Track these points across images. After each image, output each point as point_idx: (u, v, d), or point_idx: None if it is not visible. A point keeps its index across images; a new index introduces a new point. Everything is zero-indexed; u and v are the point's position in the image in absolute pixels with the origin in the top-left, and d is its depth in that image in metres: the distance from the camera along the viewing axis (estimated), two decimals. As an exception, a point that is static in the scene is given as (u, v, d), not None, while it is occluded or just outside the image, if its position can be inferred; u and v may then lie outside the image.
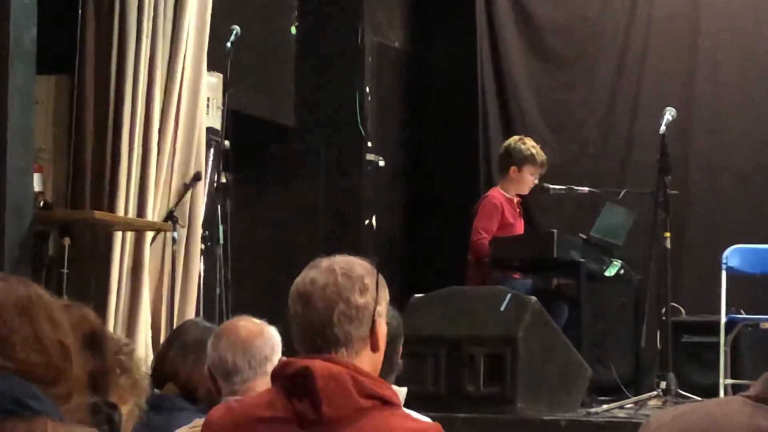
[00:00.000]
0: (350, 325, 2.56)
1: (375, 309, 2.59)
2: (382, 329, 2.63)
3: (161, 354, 3.88)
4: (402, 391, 3.47)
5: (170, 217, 6.30)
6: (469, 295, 6.40)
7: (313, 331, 2.56)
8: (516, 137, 7.43)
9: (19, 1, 5.23)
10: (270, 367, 3.03)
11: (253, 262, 7.77)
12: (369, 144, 8.29)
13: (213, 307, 6.49)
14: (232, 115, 6.76)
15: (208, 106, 6.75)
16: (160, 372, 3.79)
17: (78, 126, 6.04)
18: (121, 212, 5.97)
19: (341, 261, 2.62)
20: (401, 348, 3.46)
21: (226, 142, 6.61)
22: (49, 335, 1.78)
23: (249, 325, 3.44)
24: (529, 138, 7.39)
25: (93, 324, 2.87)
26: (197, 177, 6.45)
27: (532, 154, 7.21)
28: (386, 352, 3.40)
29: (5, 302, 1.77)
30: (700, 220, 8.07)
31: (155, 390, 3.72)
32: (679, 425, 1.63)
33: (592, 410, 6.11)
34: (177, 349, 3.80)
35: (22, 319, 1.77)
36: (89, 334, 2.84)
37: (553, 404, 6.01)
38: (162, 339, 5.71)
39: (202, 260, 6.55)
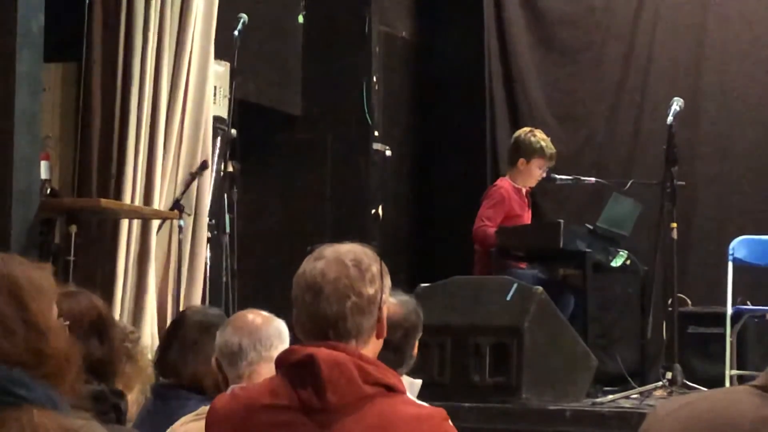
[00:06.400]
0: (362, 317, 2.56)
1: (381, 297, 2.59)
2: (385, 315, 2.63)
3: (162, 350, 3.83)
4: (417, 383, 3.47)
5: (177, 205, 6.29)
6: (474, 284, 6.40)
7: (327, 323, 2.55)
8: (526, 129, 7.40)
9: (27, -12, 5.23)
10: (276, 354, 3.02)
11: (260, 250, 7.77)
12: (376, 133, 8.28)
13: (219, 295, 6.49)
14: (239, 104, 6.76)
15: (215, 95, 6.74)
16: (162, 370, 3.77)
17: (85, 114, 6.03)
18: (127, 200, 5.97)
19: (348, 251, 2.61)
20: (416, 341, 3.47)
21: (233, 131, 6.60)
22: (10, 315, 1.73)
23: (257, 316, 3.44)
24: (540, 130, 7.37)
25: (100, 311, 2.87)
26: (204, 165, 6.45)
27: (541, 147, 7.20)
28: (401, 344, 3.40)
29: None
30: (707, 211, 8.06)
31: (161, 379, 3.72)
32: (686, 414, 1.63)
33: (598, 400, 6.11)
34: (176, 348, 3.77)
35: None
36: (96, 321, 2.84)
37: (559, 394, 6.01)
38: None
39: (208, 249, 6.55)
